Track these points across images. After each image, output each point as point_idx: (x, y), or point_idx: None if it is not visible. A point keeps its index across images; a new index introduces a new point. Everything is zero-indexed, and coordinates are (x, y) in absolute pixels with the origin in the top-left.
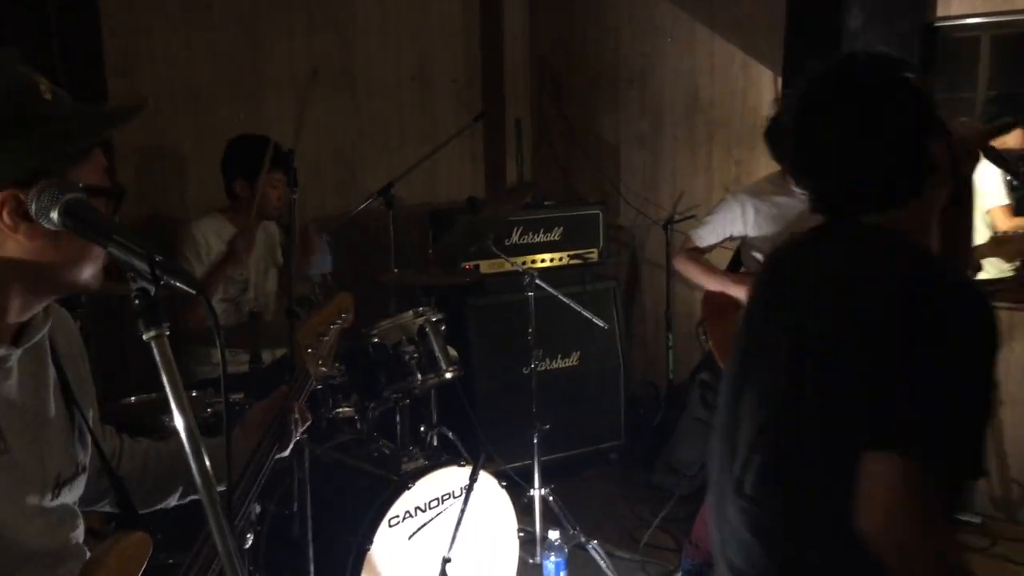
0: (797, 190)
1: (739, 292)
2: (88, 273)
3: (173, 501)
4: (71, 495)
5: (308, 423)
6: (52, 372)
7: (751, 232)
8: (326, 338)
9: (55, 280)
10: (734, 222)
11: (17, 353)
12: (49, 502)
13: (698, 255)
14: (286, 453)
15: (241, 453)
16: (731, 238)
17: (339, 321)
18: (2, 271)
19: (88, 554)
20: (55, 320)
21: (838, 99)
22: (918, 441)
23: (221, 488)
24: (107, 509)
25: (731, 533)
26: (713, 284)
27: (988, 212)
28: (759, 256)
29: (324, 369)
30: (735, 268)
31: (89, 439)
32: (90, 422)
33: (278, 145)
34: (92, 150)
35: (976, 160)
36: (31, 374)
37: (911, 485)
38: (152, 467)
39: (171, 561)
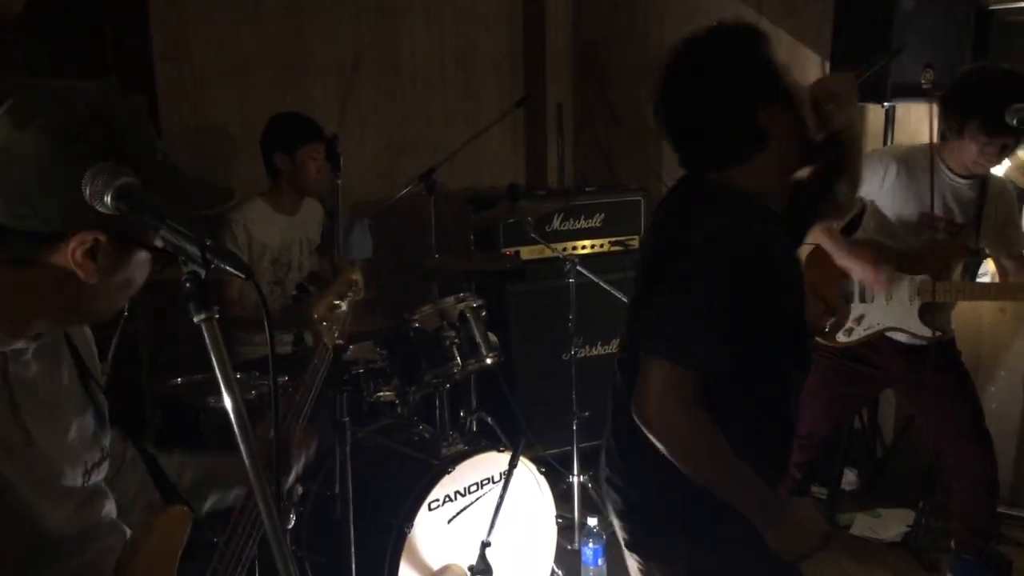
0: (947, 172)
1: (862, 266)
2: (111, 310)
3: (206, 507)
4: (98, 476)
5: (313, 448)
6: (69, 358)
7: (883, 197)
8: (340, 311)
9: (86, 312)
10: (872, 180)
11: (34, 345)
12: (79, 486)
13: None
14: (292, 481)
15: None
16: (860, 199)
17: (351, 293)
18: (42, 295)
19: (127, 530)
20: None
21: (680, 68)
22: (667, 345)
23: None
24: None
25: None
26: (840, 251)
27: None
28: (878, 232)
29: (340, 341)
30: (851, 230)
31: (108, 419)
32: (104, 410)
33: (314, 120)
34: None
35: (849, 106)
36: (50, 364)
37: (666, 379)
38: (187, 475)
39: (215, 540)
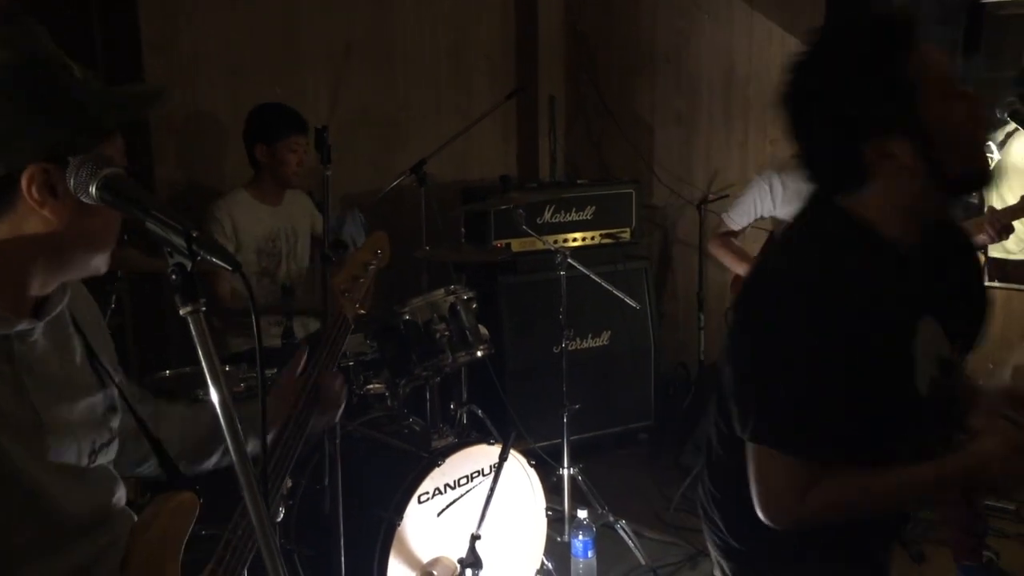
0: None
1: None
2: (100, 258)
3: (213, 462)
4: (106, 458)
5: (345, 392)
6: (77, 341)
7: (780, 209)
8: (363, 280)
9: (74, 259)
10: (763, 200)
11: (40, 326)
12: (87, 466)
13: (729, 239)
14: (337, 419)
15: (274, 406)
16: (762, 218)
17: (375, 262)
18: (25, 246)
19: (134, 516)
20: (73, 289)
21: (793, 77)
22: (759, 426)
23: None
24: (149, 472)
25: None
26: (742, 270)
27: None
28: None
29: (363, 312)
30: None
31: (120, 403)
32: (119, 385)
33: (298, 112)
34: (115, 131)
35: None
36: (56, 344)
37: (774, 474)
38: (190, 431)
39: (203, 532)
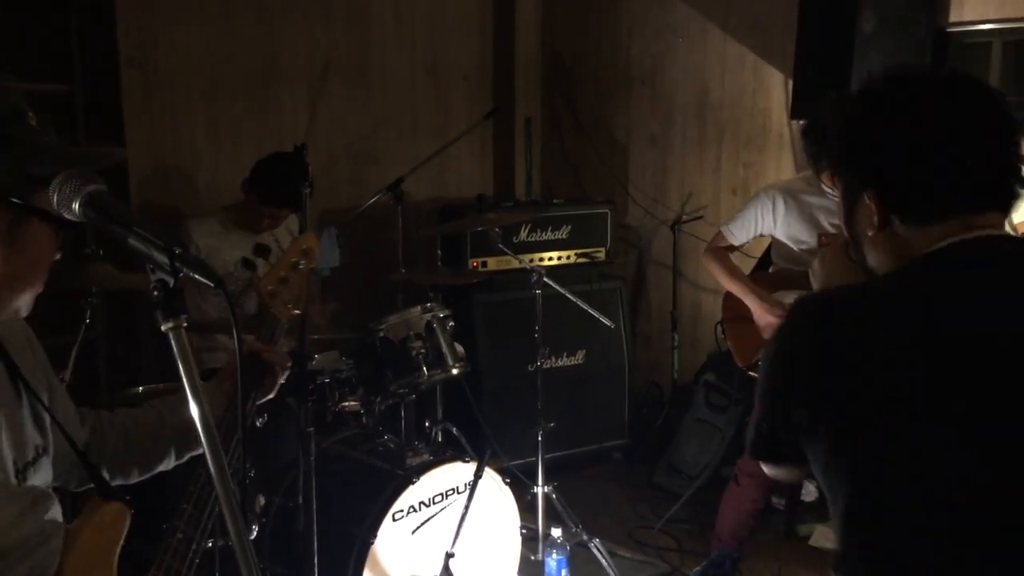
0: (828, 191)
1: (754, 305)
2: (24, 299)
3: (171, 463)
4: (38, 478)
5: (289, 368)
6: (0, 362)
7: (780, 230)
8: (291, 280)
9: (5, 297)
10: (764, 218)
11: None
12: (16, 487)
13: (725, 254)
14: (271, 395)
15: (214, 406)
16: (761, 235)
17: (303, 262)
18: None
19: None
20: None
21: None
22: None
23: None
24: (89, 487)
25: None
26: (734, 288)
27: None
28: (786, 260)
29: (296, 311)
30: (764, 267)
31: (48, 421)
32: (47, 404)
33: (299, 187)
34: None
35: None
36: None
37: None
38: (136, 437)
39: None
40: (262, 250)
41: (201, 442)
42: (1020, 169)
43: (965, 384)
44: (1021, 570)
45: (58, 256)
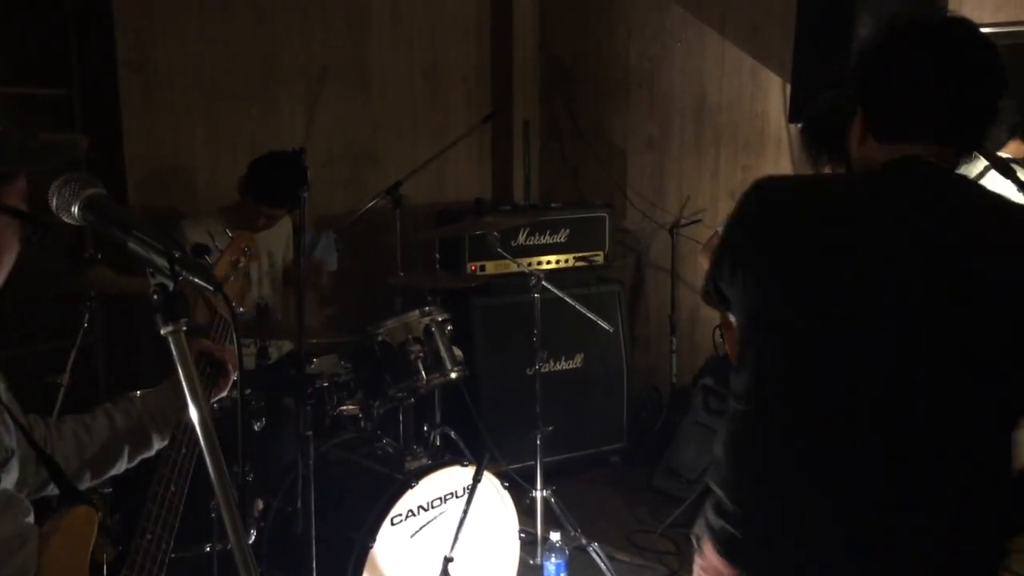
0: None
1: None
2: None
3: (123, 466)
4: (8, 479)
5: (237, 366)
6: None
7: None
8: (233, 279)
9: None
10: None
11: None
12: None
13: None
14: (224, 393)
15: (170, 403)
16: None
17: (243, 260)
18: None
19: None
20: None
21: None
22: None
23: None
24: (53, 493)
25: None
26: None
27: None
28: None
29: (241, 309)
30: None
31: (11, 422)
32: (7, 404)
33: (296, 188)
34: (18, 174)
35: None
36: None
37: None
38: (87, 442)
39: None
40: (200, 250)
41: (201, 442)
42: (982, 113)
43: (826, 277)
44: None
45: (19, 249)
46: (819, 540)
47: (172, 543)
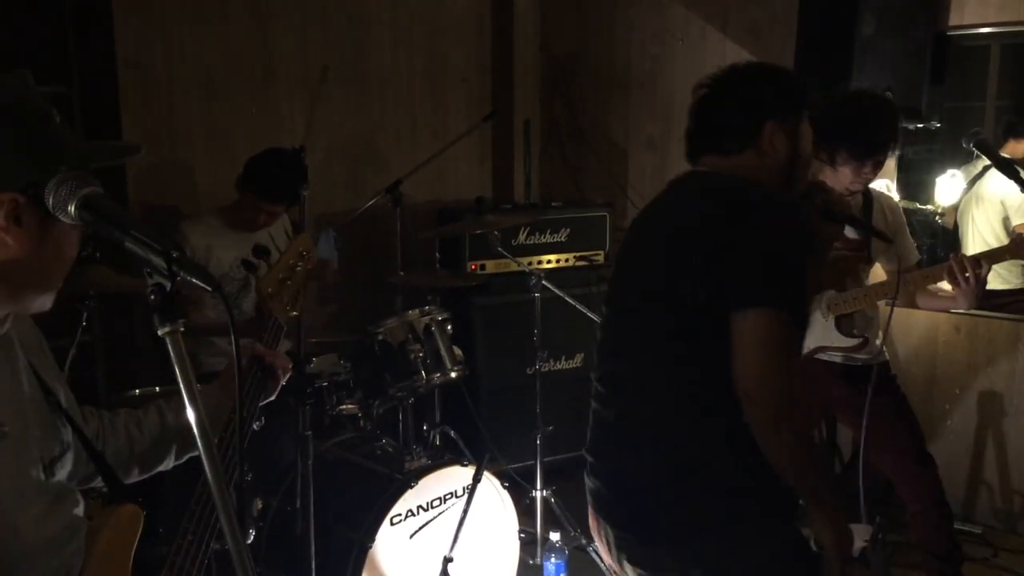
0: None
1: None
2: (47, 297)
3: (171, 463)
4: (63, 472)
5: (290, 370)
6: (23, 359)
7: None
8: (290, 282)
9: (25, 289)
10: None
11: None
12: (45, 481)
13: None
14: (272, 397)
15: (219, 407)
16: None
17: (301, 264)
18: None
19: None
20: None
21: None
22: (771, 292)
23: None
24: (100, 485)
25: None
26: None
27: (1016, 228)
28: None
29: (295, 313)
30: None
31: (65, 418)
32: (63, 402)
33: (296, 185)
34: None
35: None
36: (5, 362)
37: (777, 331)
38: (137, 437)
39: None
40: (261, 251)
41: (199, 444)
42: (729, 127)
43: (616, 271)
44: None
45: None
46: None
47: (212, 543)
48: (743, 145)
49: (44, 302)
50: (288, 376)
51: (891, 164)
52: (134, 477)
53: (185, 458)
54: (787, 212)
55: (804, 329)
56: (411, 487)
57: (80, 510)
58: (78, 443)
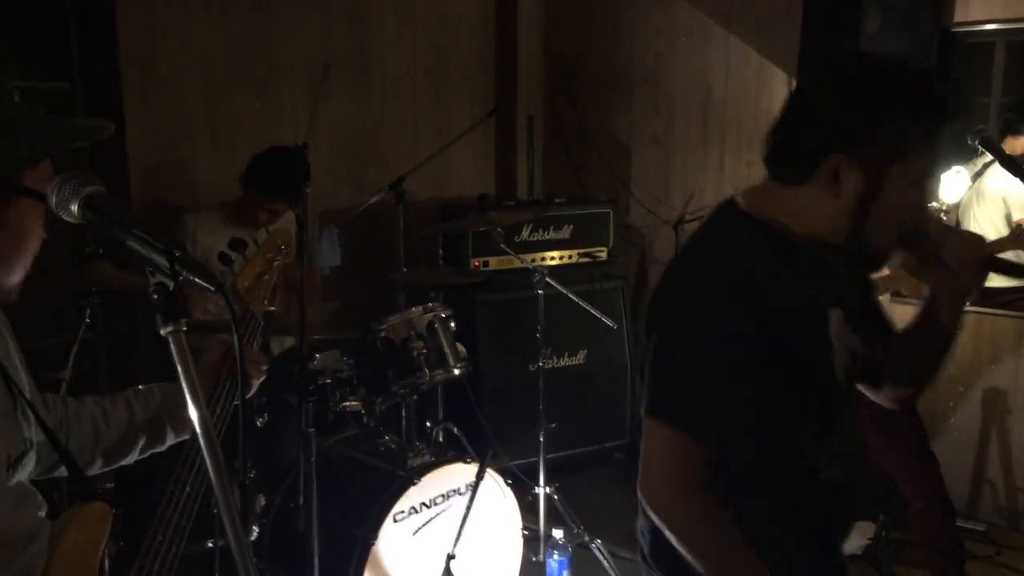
0: None
1: None
2: (14, 282)
3: (135, 457)
4: (23, 472)
5: (266, 366)
6: None
7: None
8: (267, 277)
9: None
10: None
11: None
12: (5, 483)
13: None
14: (250, 394)
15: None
16: None
17: (279, 258)
18: None
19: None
20: None
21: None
22: (666, 407)
23: (181, 438)
24: (62, 474)
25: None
26: None
27: (1019, 222)
28: None
29: (272, 308)
30: None
31: (31, 414)
32: (28, 395)
33: (298, 183)
34: (43, 158)
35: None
36: None
37: (666, 446)
38: (103, 429)
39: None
40: (238, 244)
41: (200, 445)
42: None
43: None
44: None
45: (44, 236)
46: None
47: (182, 545)
48: (800, 174)
49: (10, 291)
50: (263, 377)
51: None
52: (97, 469)
53: (148, 453)
54: (719, 291)
55: (754, 438)
56: (414, 484)
57: (43, 510)
58: (41, 435)
